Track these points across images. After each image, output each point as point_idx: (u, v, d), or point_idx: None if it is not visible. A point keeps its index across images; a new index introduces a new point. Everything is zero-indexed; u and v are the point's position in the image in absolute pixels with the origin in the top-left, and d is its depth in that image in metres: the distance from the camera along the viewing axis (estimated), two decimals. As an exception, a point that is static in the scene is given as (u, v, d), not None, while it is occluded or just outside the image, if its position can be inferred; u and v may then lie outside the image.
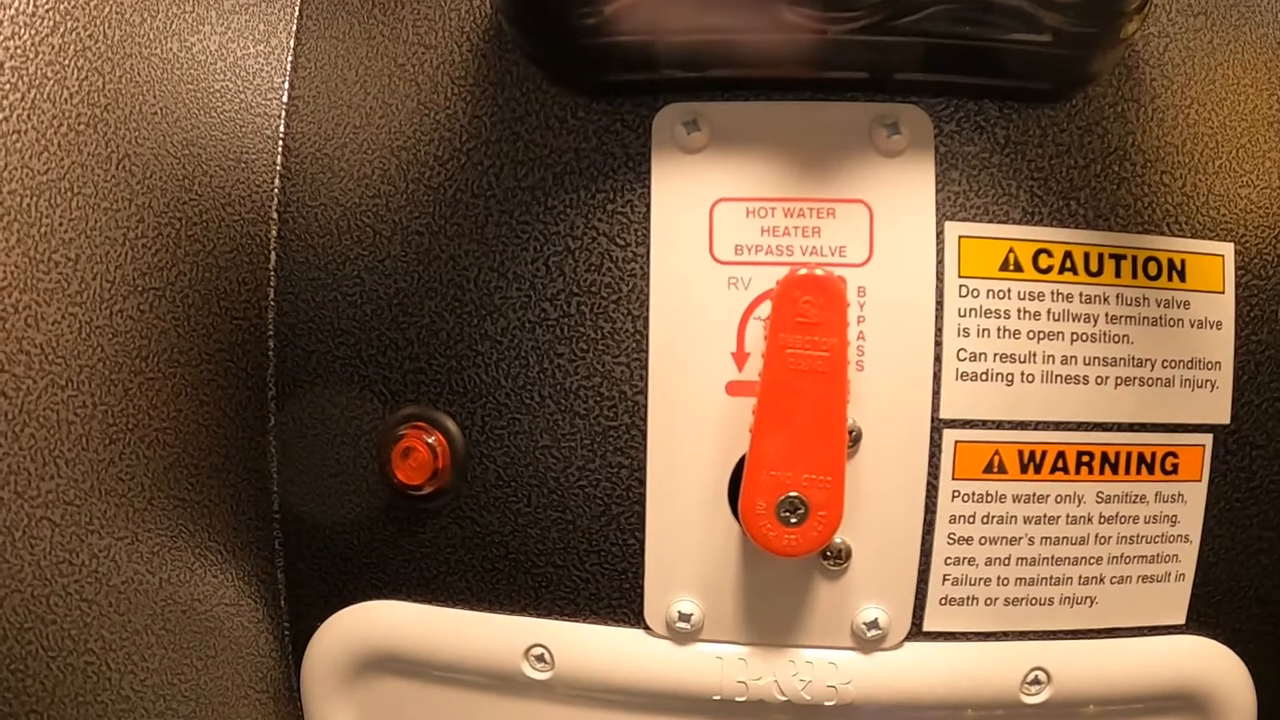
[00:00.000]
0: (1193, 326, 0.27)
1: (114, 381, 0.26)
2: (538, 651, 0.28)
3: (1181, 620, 0.28)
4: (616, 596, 0.28)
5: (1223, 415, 0.28)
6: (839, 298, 0.24)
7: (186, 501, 0.28)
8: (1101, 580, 0.28)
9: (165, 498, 0.27)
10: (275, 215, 0.30)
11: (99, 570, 0.25)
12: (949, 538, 0.27)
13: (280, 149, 0.29)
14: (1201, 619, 0.28)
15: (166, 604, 0.27)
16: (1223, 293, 0.28)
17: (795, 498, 0.24)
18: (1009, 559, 0.27)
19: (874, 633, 0.27)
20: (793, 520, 0.24)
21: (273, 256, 0.30)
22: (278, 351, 0.30)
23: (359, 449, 0.29)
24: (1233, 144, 0.28)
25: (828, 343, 0.24)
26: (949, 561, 0.27)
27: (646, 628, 0.28)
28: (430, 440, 0.28)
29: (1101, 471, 0.27)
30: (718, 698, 0.28)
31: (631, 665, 0.28)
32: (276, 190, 0.30)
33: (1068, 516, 0.27)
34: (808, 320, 0.24)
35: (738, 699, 0.28)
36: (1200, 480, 0.28)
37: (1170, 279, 0.27)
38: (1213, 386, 0.28)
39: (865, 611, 0.27)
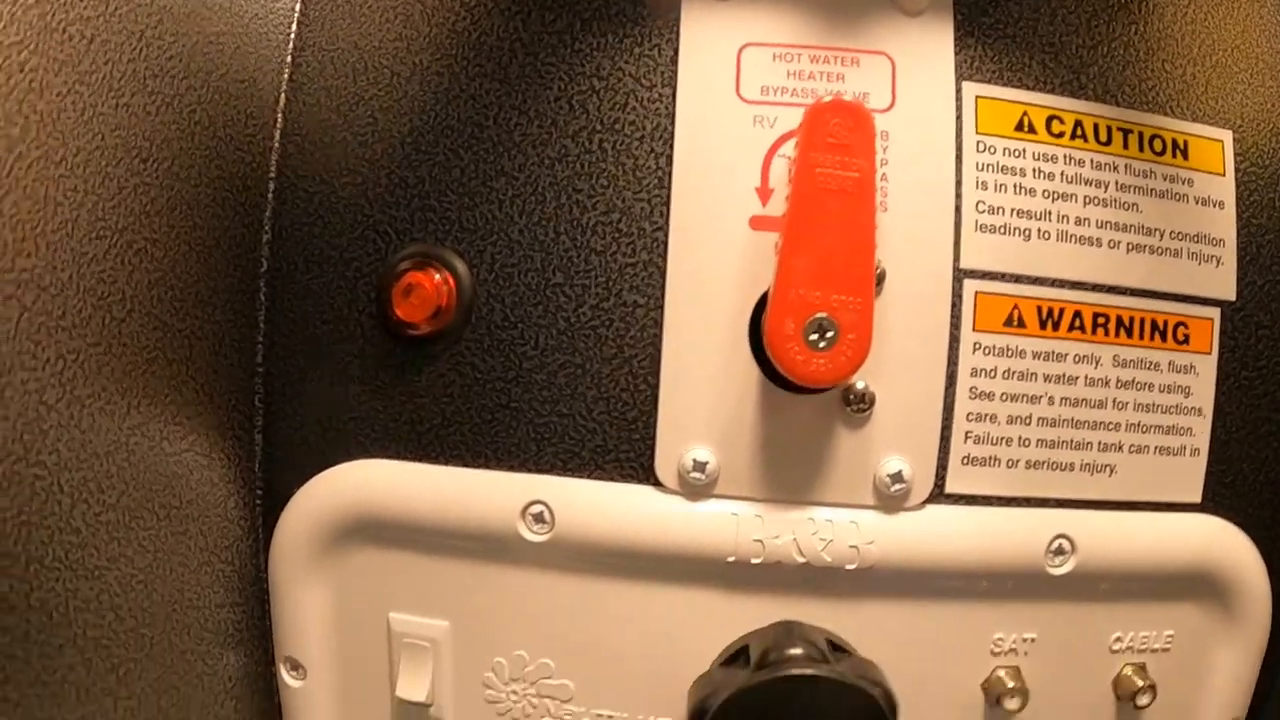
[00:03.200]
0: (1197, 203, 0.28)
1: (109, 175, 0.24)
2: (536, 509, 0.26)
3: (1197, 499, 0.28)
4: (625, 449, 0.26)
5: (1228, 291, 0.28)
6: (868, 123, 0.24)
7: (167, 327, 0.26)
8: (1120, 448, 0.27)
9: (144, 315, 0.25)
10: (289, 59, 0.29)
11: (64, 374, 0.23)
12: (971, 392, 0.26)
13: (301, -11, 0.29)
14: (1217, 499, 0.28)
15: (131, 433, 0.25)
16: (1223, 175, 0.28)
17: (824, 319, 0.24)
18: (1030, 419, 0.27)
19: (898, 487, 0.26)
20: (821, 344, 0.24)
21: (282, 98, 0.29)
22: (277, 193, 0.28)
23: (356, 292, 0.28)
24: (1229, 43, 0.30)
25: (857, 164, 0.24)
26: (971, 418, 0.26)
27: (657, 483, 0.26)
28: (436, 277, 0.27)
29: (1117, 334, 0.27)
30: (732, 559, 0.26)
31: (639, 523, 0.26)
32: (293, 32, 0.29)
33: (1086, 378, 0.27)
34: (838, 141, 0.24)
35: (753, 560, 0.26)
36: (1210, 353, 0.28)
37: (1174, 156, 0.28)
38: (1218, 263, 0.28)
39: (888, 463, 0.26)
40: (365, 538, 0.28)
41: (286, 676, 0.30)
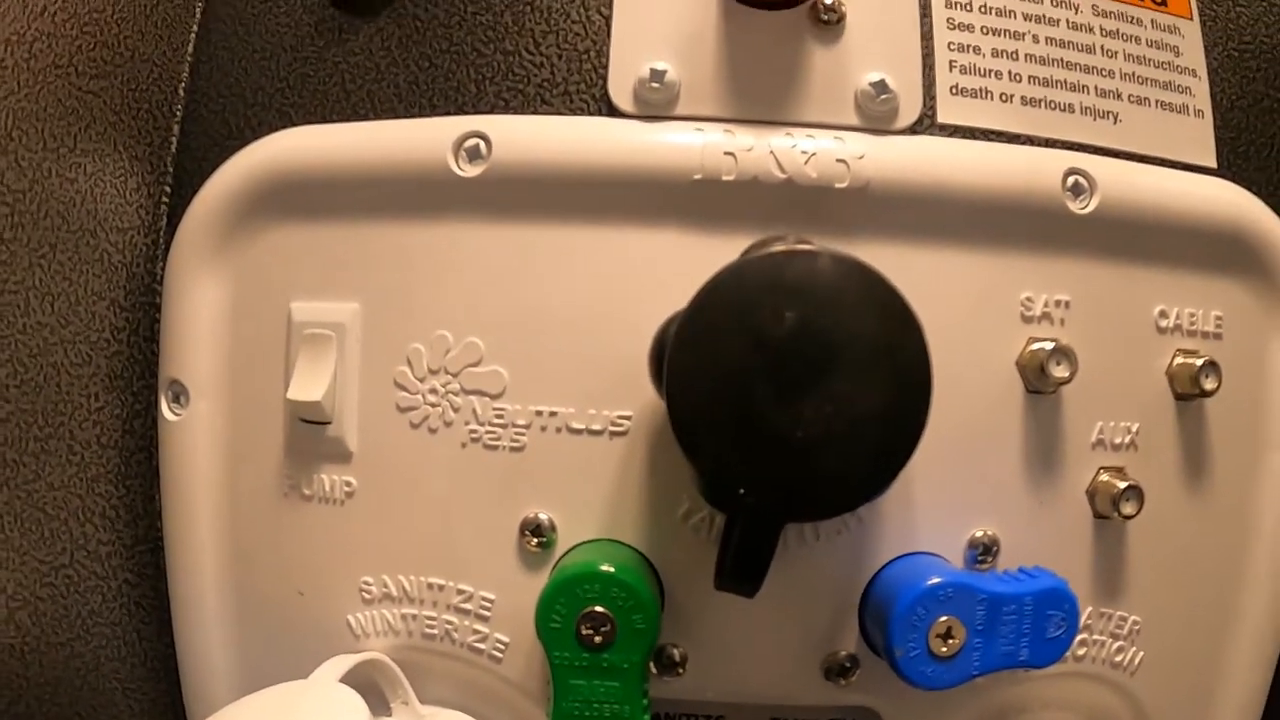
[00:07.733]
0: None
1: None
2: (471, 144, 0.22)
3: (1212, 162, 0.25)
4: (576, 80, 0.23)
5: None
6: None
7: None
8: (1119, 96, 0.25)
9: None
10: None
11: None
12: (948, 23, 0.24)
13: None
14: (1233, 169, 0.25)
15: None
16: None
17: (781, -100, 0.22)
18: (1017, 54, 0.24)
19: (883, 97, 0.22)
20: (779, -67, 0.22)
21: None
22: None
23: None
24: None
25: None
26: (953, 47, 0.24)
27: (612, 111, 0.23)
28: (367, -66, 0.25)
29: (1091, -15, 0.26)
30: (698, 177, 0.22)
31: (588, 146, 0.22)
32: None
33: (1068, 22, 0.25)
34: None
35: (724, 178, 0.22)
36: (1191, 19, 0.26)
37: None
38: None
39: (869, 75, 0.23)
40: (276, 210, 0.23)
41: (167, 410, 0.24)
